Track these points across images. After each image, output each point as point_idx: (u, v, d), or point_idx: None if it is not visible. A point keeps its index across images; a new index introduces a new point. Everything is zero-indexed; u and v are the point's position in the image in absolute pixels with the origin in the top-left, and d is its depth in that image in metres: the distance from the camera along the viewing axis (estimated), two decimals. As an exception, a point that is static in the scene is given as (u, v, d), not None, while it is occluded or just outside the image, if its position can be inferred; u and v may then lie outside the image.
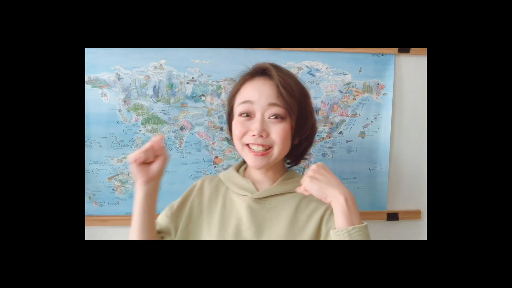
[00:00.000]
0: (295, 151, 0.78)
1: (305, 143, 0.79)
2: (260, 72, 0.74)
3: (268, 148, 0.71)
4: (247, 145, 0.72)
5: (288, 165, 0.85)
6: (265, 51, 1.12)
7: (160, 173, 0.70)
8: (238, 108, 0.73)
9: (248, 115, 0.71)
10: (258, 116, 0.70)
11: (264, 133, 0.70)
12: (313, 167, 0.67)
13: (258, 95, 0.70)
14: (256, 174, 0.79)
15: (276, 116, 0.70)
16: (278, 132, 0.70)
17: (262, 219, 0.73)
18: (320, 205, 0.75)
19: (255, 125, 0.70)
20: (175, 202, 0.81)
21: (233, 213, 0.75)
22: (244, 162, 0.84)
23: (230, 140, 0.85)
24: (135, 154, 0.66)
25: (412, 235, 1.27)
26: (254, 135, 0.70)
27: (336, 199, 0.62)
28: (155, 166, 0.68)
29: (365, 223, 0.64)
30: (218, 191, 0.81)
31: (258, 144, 0.70)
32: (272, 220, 0.73)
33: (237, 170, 0.83)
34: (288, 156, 0.79)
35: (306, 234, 0.71)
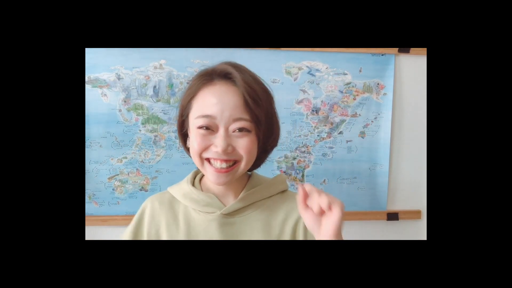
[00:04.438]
0: (258, 160, 0.70)
1: (270, 150, 0.72)
2: (222, 75, 0.64)
3: (233, 163, 0.63)
4: (208, 160, 0.64)
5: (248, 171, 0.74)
6: (265, 51, 1.12)
7: None
8: (196, 121, 0.62)
9: (209, 128, 0.62)
10: (221, 131, 0.61)
11: (229, 148, 0.61)
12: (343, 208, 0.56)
13: (221, 108, 0.60)
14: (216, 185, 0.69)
15: (241, 130, 0.62)
16: (245, 146, 0.62)
17: (236, 234, 0.67)
18: (291, 209, 0.69)
19: (218, 141, 0.61)
20: (125, 235, 0.71)
21: (201, 234, 0.67)
22: (197, 171, 0.75)
23: (183, 149, 0.72)
24: None
25: (412, 235, 1.27)
26: (217, 151, 0.61)
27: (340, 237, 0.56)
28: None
29: None
30: (175, 211, 0.70)
31: (222, 160, 0.62)
32: (246, 233, 0.68)
33: (192, 183, 0.72)
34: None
35: (284, 239, 0.68)
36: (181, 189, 0.72)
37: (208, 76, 0.65)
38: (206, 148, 0.63)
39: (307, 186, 0.58)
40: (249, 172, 0.75)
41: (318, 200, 0.55)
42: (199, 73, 0.67)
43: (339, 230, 0.55)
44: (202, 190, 0.71)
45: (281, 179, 0.74)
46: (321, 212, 0.56)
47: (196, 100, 0.64)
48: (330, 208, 0.54)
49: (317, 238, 0.58)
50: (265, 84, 0.68)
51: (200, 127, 0.62)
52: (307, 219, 0.58)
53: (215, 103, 0.61)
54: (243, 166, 0.64)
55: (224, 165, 0.62)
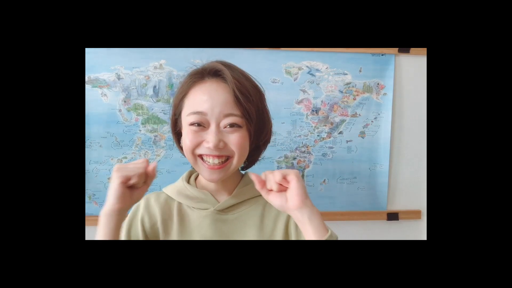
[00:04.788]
0: (251, 156, 0.72)
1: (263, 147, 0.73)
2: (212, 73, 0.65)
3: (226, 159, 0.64)
4: (201, 157, 0.65)
5: (242, 170, 0.77)
6: (265, 51, 1.12)
7: (136, 202, 0.61)
8: (188, 118, 0.64)
9: (201, 125, 0.63)
10: (212, 127, 0.62)
11: (221, 144, 0.62)
12: (298, 175, 0.59)
13: (211, 105, 0.62)
14: (211, 183, 0.69)
15: (232, 125, 0.63)
16: (236, 141, 0.63)
17: (229, 232, 0.68)
18: None
19: (209, 137, 0.62)
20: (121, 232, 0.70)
21: (195, 230, 0.68)
22: (192, 171, 0.76)
23: (177, 147, 0.73)
24: (127, 172, 0.58)
25: (412, 235, 1.27)
26: (209, 147, 0.62)
27: (312, 208, 0.58)
28: (137, 194, 0.60)
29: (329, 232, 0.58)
30: (170, 208, 0.71)
31: (214, 156, 0.63)
32: (239, 230, 0.69)
33: (187, 181, 0.73)
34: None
35: (276, 238, 0.69)
36: (176, 187, 0.73)
37: (199, 75, 0.66)
38: (198, 145, 0.64)
39: (262, 174, 0.62)
40: (242, 172, 0.76)
41: (273, 179, 0.59)
42: (190, 72, 0.68)
43: (303, 195, 0.58)
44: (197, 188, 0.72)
45: None
46: (282, 189, 0.59)
47: (187, 98, 0.66)
48: (287, 180, 0.58)
49: (290, 214, 0.60)
50: (256, 81, 0.69)
51: (192, 124, 0.63)
52: (274, 200, 0.60)
53: (205, 99, 0.62)
54: (235, 161, 0.65)
55: (216, 161, 0.64)
